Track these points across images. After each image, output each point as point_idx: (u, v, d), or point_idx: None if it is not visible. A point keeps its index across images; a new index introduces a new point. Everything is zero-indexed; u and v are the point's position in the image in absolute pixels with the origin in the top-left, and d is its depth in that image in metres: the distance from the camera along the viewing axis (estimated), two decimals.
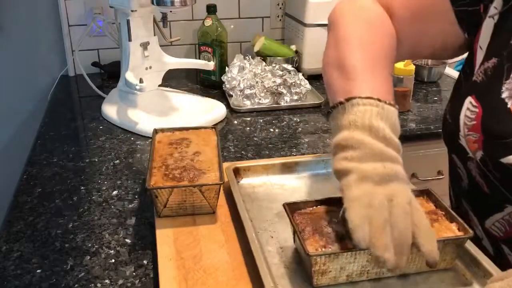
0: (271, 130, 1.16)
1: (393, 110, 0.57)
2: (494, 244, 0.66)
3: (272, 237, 0.69)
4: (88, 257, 0.71)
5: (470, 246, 0.62)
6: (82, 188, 0.90)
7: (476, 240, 0.66)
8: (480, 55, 0.64)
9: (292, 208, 0.63)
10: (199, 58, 1.42)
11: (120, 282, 0.66)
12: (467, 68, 0.67)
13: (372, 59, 0.62)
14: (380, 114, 0.55)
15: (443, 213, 0.63)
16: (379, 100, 0.56)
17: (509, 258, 0.64)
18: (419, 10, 0.69)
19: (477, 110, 0.61)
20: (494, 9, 0.62)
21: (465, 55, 0.70)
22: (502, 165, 0.58)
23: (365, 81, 0.59)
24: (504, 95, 0.58)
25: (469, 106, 0.62)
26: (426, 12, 0.68)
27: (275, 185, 0.83)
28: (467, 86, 0.65)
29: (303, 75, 1.33)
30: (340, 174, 0.55)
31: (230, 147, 1.07)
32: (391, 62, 0.67)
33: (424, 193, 0.67)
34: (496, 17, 0.62)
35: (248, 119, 1.23)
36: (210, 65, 1.27)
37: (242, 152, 1.05)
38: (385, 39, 0.67)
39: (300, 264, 0.63)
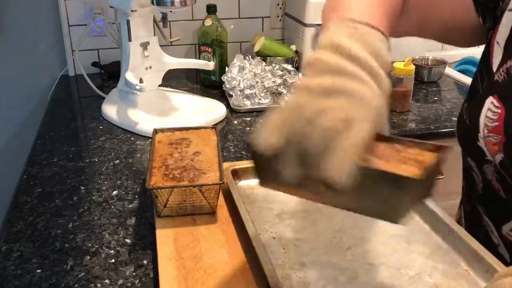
0: None
1: (371, 31, 0.50)
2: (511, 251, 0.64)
3: (274, 238, 0.69)
4: (88, 257, 0.71)
5: (472, 241, 0.62)
6: (82, 188, 0.90)
7: (491, 247, 0.64)
8: (498, 52, 0.60)
9: None
10: (199, 58, 1.42)
11: (120, 282, 0.66)
12: (483, 66, 0.64)
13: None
14: (351, 34, 0.50)
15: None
16: (354, 21, 0.51)
17: None
18: None
19: (499, 111, 0.58)
20: None
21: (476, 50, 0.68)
22: None
23: (347, 7, 0.55)
24: None
25: (491, 107, 0.59)
26: None
27: None
28: (487, 86, 0.62)
29: (303, 75, 1.33)
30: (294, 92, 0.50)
31: (230, 147, 1.07)
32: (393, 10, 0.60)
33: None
34: None
35: (248, 119, 1.23)
36: (210, 65, 1.27)
37: (242, 152, 1.05)
38: None
39: (305, 266, 0.63)
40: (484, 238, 0.66)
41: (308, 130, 0.45)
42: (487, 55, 0.63)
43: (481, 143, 0.60)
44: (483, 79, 0.63)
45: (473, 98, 0.64)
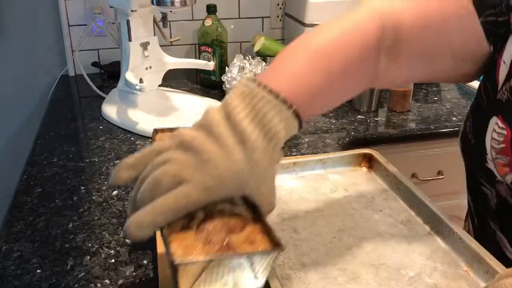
0: None
1: (273, 103, 0.49)
2: None
3: None
4: (88, 257, 0.71)
5: (472, 242, 0.62)
6: (82, 188, 0.90)
7: (506, 263, 0.61)
8: (503, 71, 0.58)
9: None
10: (199, 58, 1.42)
11: (120, 282, 0.66)
12: (488, 84, 0.61)
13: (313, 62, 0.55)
14: (247, 99, 0.49)
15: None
16: (265, 87, 0.50)
17: None
18: (438, 17, 0.59)
19: (505, 132, 0.56)
20: None
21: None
22: None
23: (275, 71, 0.55)
24: None
25: (495, 128, 0.57)
26: (447, 20, 0.59)
27: None
28: (490, 105, 0.60)
29: None
30: None
31: None
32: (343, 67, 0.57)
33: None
34: None
35: None
36: (210, 65, 1.27)
37: None
38: (347, 51, 0.57)
39: (305, 266, 0.63)
40: (497, 254, 0.63)
41: (148, 175, 0.48)
42: (492, 73, 0.61)
43: (490, 165, 0.59)
44: (488, 96, 0.61)
45: (477, 117, 0.63)
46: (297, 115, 0.52)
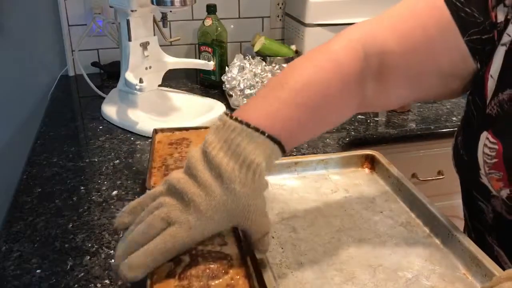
0: None
1: (257, 140, 0.52)
2: None
3: (273, 237, 0.69)
4: (88, 257, 0.71)
5: (470, 245, 0.62)
6: (82, 188, 0.90)
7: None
8: (491, 85, 0.59)
9: None
10: (199, 58, 1.42)
11: (120, 282, 0.66)
12: (477, 99, 0.61)
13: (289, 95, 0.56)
14: (228, 139, 0.52)
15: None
16: (246, 124, 0.52)
17: None
18: (422, 41, 0.59)
19: (496, 146, 0.56)
20: (507, 36, 0.57)
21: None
22: None
23: (252, 107, 0.57)
24: None
25: (487, 143, 0.57)
26: (431, 43, 0.59)
27: (275, 185, 0.83)
28: (480, 119, 0.60)
29: None
30: None
31: None
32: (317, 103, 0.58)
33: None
34: (508, 45, 0.56)
35: None
36: (210, 65, 1.27)
37: None
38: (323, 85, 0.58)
39: (302, 265, 0.63)
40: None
41: (143, 220, 0.52)
42: (481, 88, 0.60)
43: (484, 180, 0.59)
44: (479, 110, 0.61)
45: (468, 132, 0.63)
46: (274, 139, 0.53)
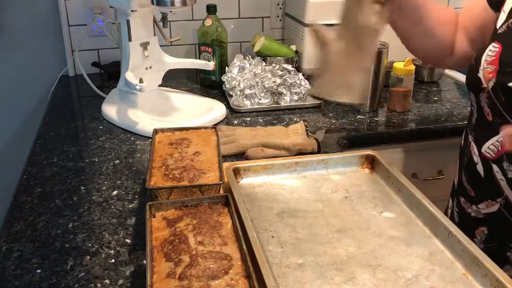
0: None
1: None
2: (486, 166, 0.78)
3: (272, 236, 0.69)
4: (88, 257, 0.71)
5: (470, 245, 0.62)
6: (82, 188, 0.90)
7: (471, 166, 0.81)
8: (502, 17, 0.78)
9: None
10: (199, 58, 1.42)
11: (120, 282, 0.66)
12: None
13: None
14: None
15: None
16: None
17: (497, 176, 0.76)
18: (469, 8, 0.92)
19: (497, 49, 0.75)
20: None
21: None
22: (509, 89, 0.71)
23: None
24: None
25: (491, 48, 0.76)
26: (472, 7, 0.90)
27: (275, 185, 0.83)
28: (491, 37, 0.79)
29: (303, 75, 1.33)
30: None
31: None
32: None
33: None
34: None
35: (248, 119, 1.23)
36: (210, 65, 1.27)
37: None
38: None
39: (302, 265, 0.63)
40: (467, 165, 0.83)
41: None
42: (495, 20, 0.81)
43: (480, 73, 0.77)
44: (491, 38, 0.79)
45: (480, 48, 0.80)
46: None
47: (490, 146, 0.77)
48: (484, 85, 0.76)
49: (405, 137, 1.21)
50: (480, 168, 0.79)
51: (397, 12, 0.86)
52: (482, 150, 0.78)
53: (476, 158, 0.80)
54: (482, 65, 0.77)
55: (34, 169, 0.97)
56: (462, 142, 0.88)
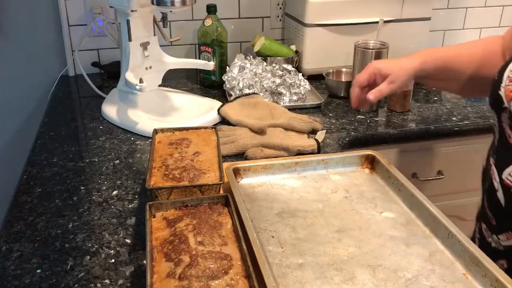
0: None
1: None
2: (507, 195, 0.71)
3: (272, 236, 0.69)
4: (88, 257, 0.71)
5: (470, 245, 0.62)
6: (82, 188, 0.90)
7: (491, 192, 0.74)
8: None
9: None
10: (199, 58, 1.42)
11: (120, 282, 0.66)
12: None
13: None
14: None
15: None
16: None
17: None
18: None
19: None
20: None
21: None
22: None
23: None
24: None
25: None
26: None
27: (275, 185, 0.83)
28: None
29: (303, 75, 1.33)
30: None
31: None
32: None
33: None
34: None
35: None
36: (210, 65, 1.27)
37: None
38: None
39: (302, 265, 0.63)
40: (488, 190, 0.76)
41: None
42: None
43: (502, 91, 0.73)
44: None
45: (503, 64, 0.78)
46: None
47: (511, 173, 0.70)
48: (506, 104, 0.71)
49: (405, 137, 1.20)
50: (500, 195, 0.72)
51: (428, 81, 0.91)
52: (503, 177, 0.71)
53: (497, 185, 0.73)
54: (504, 82, 0.72)
55: (34, 169, 0.97)
56: (485, 162, 0.81)
